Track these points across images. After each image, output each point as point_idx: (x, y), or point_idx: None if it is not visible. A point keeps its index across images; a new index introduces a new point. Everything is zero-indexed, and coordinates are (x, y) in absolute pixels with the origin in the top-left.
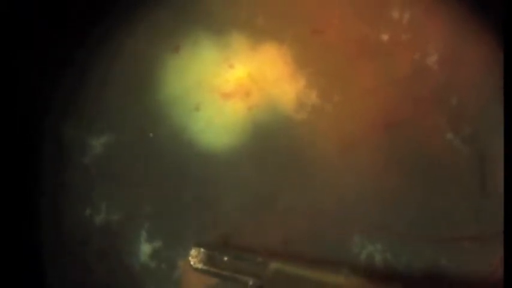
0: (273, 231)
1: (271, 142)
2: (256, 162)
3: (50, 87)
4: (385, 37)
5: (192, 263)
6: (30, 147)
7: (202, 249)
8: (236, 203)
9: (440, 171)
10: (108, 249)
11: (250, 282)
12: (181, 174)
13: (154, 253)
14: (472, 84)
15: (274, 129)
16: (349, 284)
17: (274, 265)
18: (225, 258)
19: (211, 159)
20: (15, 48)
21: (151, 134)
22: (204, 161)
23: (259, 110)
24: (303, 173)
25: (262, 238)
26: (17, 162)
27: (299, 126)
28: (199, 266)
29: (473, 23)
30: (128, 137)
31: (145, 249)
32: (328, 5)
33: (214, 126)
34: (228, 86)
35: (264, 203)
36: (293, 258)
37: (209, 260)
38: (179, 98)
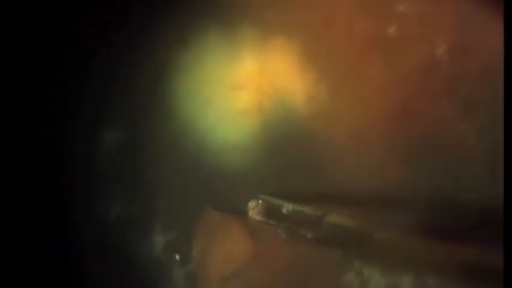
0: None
1: (282, 136)
2: (267, 156)
3: (61, 86)
4: (392, 30)
5: (250, 214)
6: (43, 147)
7: (260, 201)
8: (249, 199)
9: (453, 162)
10: (124, 243)
11: (309, 236)
12: (193, 170)
13: (167, 245)
14: (483, 73)
15: (285, 123)
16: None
17: (330, 218)
18: (284, 211)
19: (222, 154)
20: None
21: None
22: (216, 156)
23: (270, 104)
24: (315, 167)
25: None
26: (29, 163)
27: (309, 120)
28: (258, 217)
29: (481, 11)
30: (139, 133)
31: (159, 241)
32: None
33: (225, 121)
34: (238, 80)
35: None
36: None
37: (267, 211)
38: (189, 93)
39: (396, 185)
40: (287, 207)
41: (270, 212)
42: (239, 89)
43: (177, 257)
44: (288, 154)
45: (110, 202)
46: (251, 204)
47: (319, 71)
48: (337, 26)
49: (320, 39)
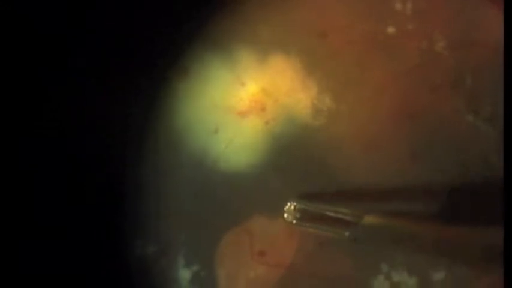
0: (310, 239)
1: (293, 152)
2: (281, 174)
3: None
4: (390, 30)
5: (286, 218)
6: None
7: (296, 204)
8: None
9: (466, 153)
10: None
11: (346, 235)
12: (210, 198)
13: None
14: (484, 63)
15: (295, 139)
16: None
17: (369, 219)
18: (320, 213)
19: (237, 178)
20: None
21: None
22: (230, 181)
23: (277, 123)
24: (330, 178)
25: (298, 246)
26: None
27: (318, 132)
28: (294, 221)
29: (478, 4)
30: (151, 169)
31: (185, 274)
32: (330, 7)
33: (235, 145)
34: (243, 104)
35: None
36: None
37: (303, 214)
38: (197, 122)
39: (411, 181)
40: (323, 209)
41: (306, 214)
42: (245, 113)
43: None
44: (301, 168)
45: (133, 240)
46: (287, 207)
47: (321, 81)
48: (333, 35)
49: (317, 50)
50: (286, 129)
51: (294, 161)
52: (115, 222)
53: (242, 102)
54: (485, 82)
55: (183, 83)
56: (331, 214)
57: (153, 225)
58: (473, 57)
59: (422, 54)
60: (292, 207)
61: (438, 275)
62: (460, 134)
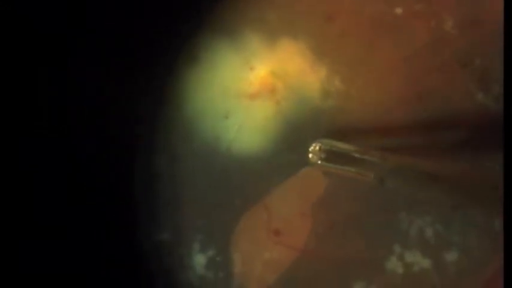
0: (323, 221)
1: (305, 133)
2: (294, 155)
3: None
4: (398, 11)
5: (311, 158)
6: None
7: (321, 145)
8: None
9: (478, 133)
10: (163, 266)
11: (372, 176)
12: (225, 183)
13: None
14: (493, 41)
15: (305, 121)
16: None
17: (394, 159)
18: (345, 153)
19: (250, 161)
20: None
21: None
22: (244, 165)
23: (287, 105)
24: None
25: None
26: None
27: (329, 113)
28: (319, 161)
29: None
30: (164, 157)
31: (200, 260)
32: None
33: (247, 129)
34: (253, 88)
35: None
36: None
37: (329, 155)
38: (208, 108)
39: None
40: (349, 150)
41: (331, 155)
42: (255, 97)
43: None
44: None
45: (148, 227)
46: (312, 148)
47: (330, 63)
48: (341, 18)
49: (325, 33)
50: (296, 111)
51: (304, 141)
52: (130, 211)
53: (252, 86)
54: (494, 60)
55: (192, 70)
56: (357, 155)
57: (168, 212)
58: (482, 36)
59: (430, 34)
60: (318, 147)
61: (451, 256)
62: (471, 113)
